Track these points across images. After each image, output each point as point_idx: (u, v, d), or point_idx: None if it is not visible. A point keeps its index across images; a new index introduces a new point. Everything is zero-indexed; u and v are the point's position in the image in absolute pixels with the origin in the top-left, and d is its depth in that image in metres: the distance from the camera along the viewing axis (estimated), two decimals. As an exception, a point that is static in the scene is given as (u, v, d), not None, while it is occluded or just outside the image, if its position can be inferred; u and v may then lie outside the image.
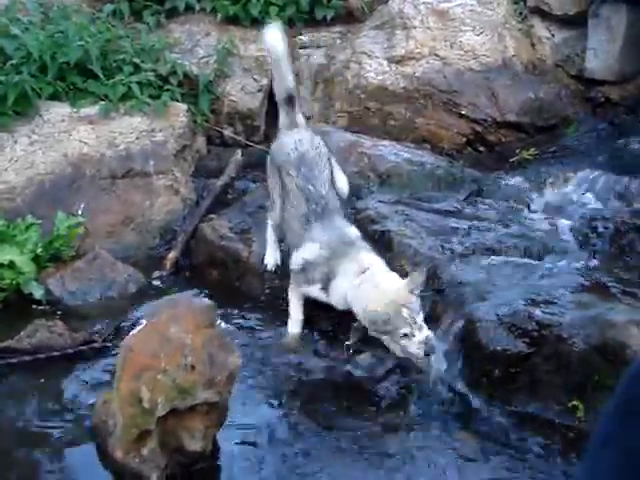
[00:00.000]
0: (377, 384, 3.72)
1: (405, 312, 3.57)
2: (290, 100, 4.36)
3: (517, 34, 6.16)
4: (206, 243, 4.76)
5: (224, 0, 6.37)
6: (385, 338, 3.66)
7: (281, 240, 4.38)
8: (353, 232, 4.01)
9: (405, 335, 3.57)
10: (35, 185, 5.12)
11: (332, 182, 4.17)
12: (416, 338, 3.57)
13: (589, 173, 5.00)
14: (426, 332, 3.59)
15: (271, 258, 4.44)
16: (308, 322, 4.13)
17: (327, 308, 4.04)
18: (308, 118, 6.18)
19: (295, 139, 4.19)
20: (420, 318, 3.60)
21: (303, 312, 4.10)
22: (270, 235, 4.41)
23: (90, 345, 4.09)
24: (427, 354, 3.59)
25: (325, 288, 3.91)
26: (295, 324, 4.10)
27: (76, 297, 4.60)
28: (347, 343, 3.93)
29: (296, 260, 4.02)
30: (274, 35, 4.37)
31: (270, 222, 4.37)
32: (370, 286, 3.72)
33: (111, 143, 5.34)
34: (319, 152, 4.18)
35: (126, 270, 4.76)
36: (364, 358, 3.89)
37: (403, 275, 3.76)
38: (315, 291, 3.97)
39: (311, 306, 4.09)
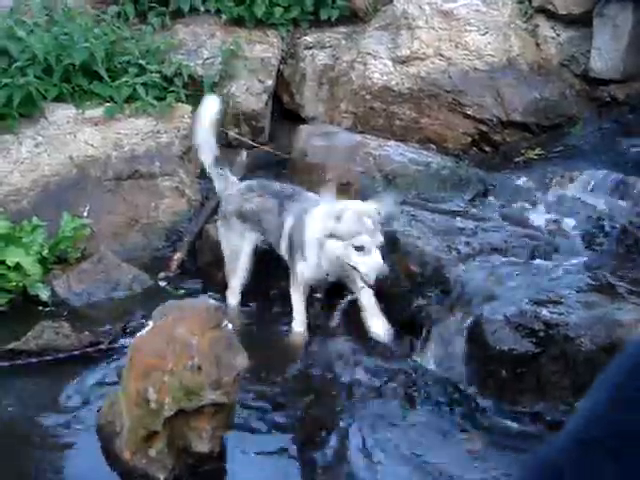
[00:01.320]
0: (384, 384, 3.72)
1: (367, 221, 3.60)
2: (217, 161, 4.52)
3: (522, 34, 6.15)
4: (211, 244, 4.75)
5: (229, 1, 6.38)
6: (339, 249, 3.67)
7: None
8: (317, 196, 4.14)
9: (362, 248, 3.59)
10: (41, 187, 5.12)
11: None
12: (371, 257, 3.59)
13: (595, 172, 4.99)
14: (379, 258, 3.59)
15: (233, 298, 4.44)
16: (310, 321, 4.12)
17: (331, 308, 4.05)
18: (313, 119, 6.19)
19: (235, 188, 4.41)
20: (379, 240, 3.61)
21: (305, 311, 4.12)
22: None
23: (96, 346, 4.09)
24: (377, 279, 3.60)
25: (302, 253, 3.95)
26: (299, 323, 4.12)
27: (82, 298, 4.61)
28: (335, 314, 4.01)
29: (283, 246, 4.11)
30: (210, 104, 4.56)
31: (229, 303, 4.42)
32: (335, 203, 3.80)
33: (116, 144, 5.35)
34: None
35: (132, 271, 4.77)
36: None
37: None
38: (301, 266, 3.98)
39: (316, 305, 4.09)
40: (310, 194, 4.19)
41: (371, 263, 3.60)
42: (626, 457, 1.17)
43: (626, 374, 1.27)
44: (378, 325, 3.93)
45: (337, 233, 3.67)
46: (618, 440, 1.19)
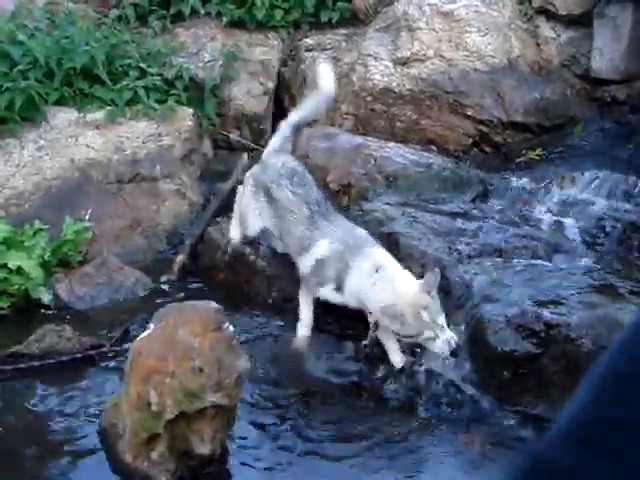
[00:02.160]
0: (385, 386, 3.72)
1: (425, 315, 3.52)
2: (299, 130, 4.47)
3: (522, 34, 6.15)
4: (213, 246, 4.76)
5: (229, 4, 6.38)
6: (408, 340, 3.63)
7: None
8: (361, 230, 4.02)
9: (429, 339, 3.53)
10: (42, 190, 5.13)
11: None
12: (439, 340, 3.52)
13: (596, 173, 4.98)
14: (448, 333, 3.54)
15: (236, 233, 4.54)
16: (316, 324, 4.12)
17: (336, 310, 4.04)
18: (314, 121, 6.18)
19: (282, 160, 4.28)
20: (442, 319, 3.54)
21: (313, 316, 4.07)
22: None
23: (98, 349, 4.10)
24: (452, 353, 3.55)
25: (339, 288, 3.86)
26: (305, 327, 4.07)
27: (84, 302, 4.61)
28: (364, 343, 3.89)
29: (306, 262, 3.99)
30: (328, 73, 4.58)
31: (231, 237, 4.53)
32: (386, 286, 3.66)
33: (118, 148, 5.36)
34: (306, 171, 4.28)
35: (134, 274, 4.77)
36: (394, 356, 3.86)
37: (415, 275, 3.74)
38: (328, 292, 3.92)
39: (321, 308, 4.08)
40: (341, 219, 4.07)
41: (441, 345, 3.54)
42: (623, 454, 1.17)
43: (616, 368, 1.27)
44: (396, 359, 3.86)
45: (402, 334, 3.60)
46: (613, 437, 1.19)
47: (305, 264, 4.00)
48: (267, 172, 4.27)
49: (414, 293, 3.58)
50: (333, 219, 4.03)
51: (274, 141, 4.45)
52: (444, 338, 3.52)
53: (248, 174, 4.47)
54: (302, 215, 4.04)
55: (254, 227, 4.37)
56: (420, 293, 3.56)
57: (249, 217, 4.38)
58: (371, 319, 3.83)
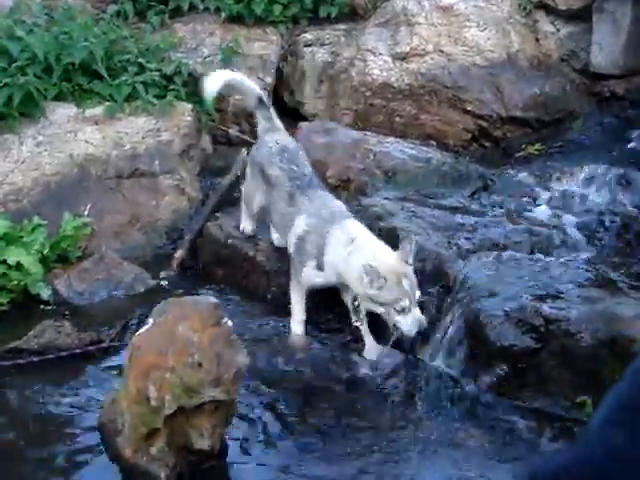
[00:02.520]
0: (384, 381, 3.72)
1: (405, 283, 3.54)
2: (261, 101, 4.46)
3: (522, 29, 6.15)
4: (212, 242, 4.76)
5: (228, -1, 6.38)
6: (380, 310, 3.62)
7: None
8: (337, 202, 4.05)
9: (402, 310, 3.54)
10: (41, 186, 5.12)
11: None
12: (411, 315, 3.55)
13: (595, 167, 4.99)
14: (419, 312, 3.56)
15: (248, 226, 4.60)
16: (311, 319, 4.11)
17: (329, 304, 4.05)
18: (313, 116, 6.19)
19: (275, 138, 4.32)
20: (417, 294, 3.58)
21: (305, 311, 4.06)
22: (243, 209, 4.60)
23: (97, 345, 4.10)
24: (418, 332, 3.59)
25: (319, 265, 3.87)
26: (298, 324, 4.07)
27: (83, 297, 4.61)
28: (354, 324, 3.91)
29: (290, 240, 4.03)
30: (221, 76, 4.56)
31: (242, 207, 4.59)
32: (364, 253, 3.67)
33: (117, 143, 5.35)
34: (299, 148, 4.32)
35: (133, 270, 4.77)
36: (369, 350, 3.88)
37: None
38: (311, 273, 3.91)
39: (315, 301, 4.08)
40: (320, 193, 4.07)
41: (412, 321, 3.56)
42: None
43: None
44: (371, 353, 3.89)
45: (378, 300, 3.59)
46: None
47: (291, 243, 4.03)
48: (260, 148, 4.34)
49: (395, 259, 3.60)
50: (311, 193, 4.04)
51: (259, 125, 4.49)
52: (416, 315, 3.55)
53: (250, 155, 4.54)
54: (284, 191, 4.09)
55: (254, 206, 4.43)
56: (399, 261, 3.58)
57: (252, 197, 4.42)
58: (348, 298, 3.88)
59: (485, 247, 4.18)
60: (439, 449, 3.38)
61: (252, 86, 4.54)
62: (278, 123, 4.48)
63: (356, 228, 3.85)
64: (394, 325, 3.61)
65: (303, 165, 4.18)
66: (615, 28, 5.74)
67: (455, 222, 4.38)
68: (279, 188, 4.12)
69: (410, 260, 3.60)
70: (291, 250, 4.05)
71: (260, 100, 4.46)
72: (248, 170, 4.47)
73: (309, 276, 3.95)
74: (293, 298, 4.08)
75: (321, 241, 3.85)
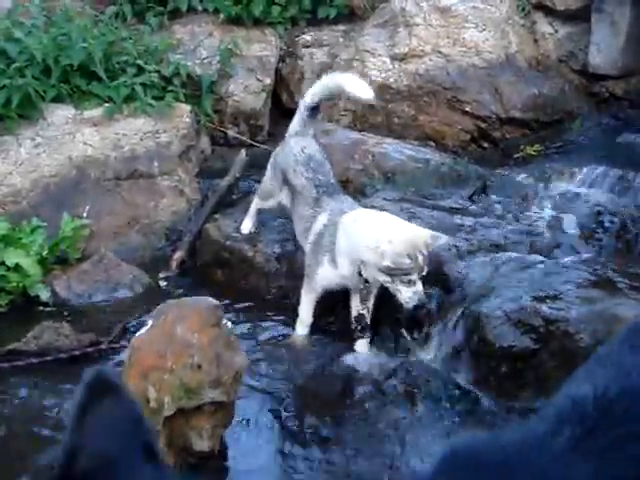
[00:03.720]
0: (384, 382, 3.72)
1: (420, 259, 3.57)
2: (315, 110, 4.42)
3: (520, 30, 6.15)
4: (211, 243, 4.76)
5: (226, 0, 6.37)
6: (386, 279, 3.64)
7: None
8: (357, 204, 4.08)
9: (409, 282, 3.58)
10: (40, 188, 5.12)
11: None
12: (415, 287, 3.59)
13: (594, 168, 4.99)
14: (421, 286, 3.62)
15: (248, 224, 4.62)
16: (315, 323, 4.11)
17: (331, 306, 4.05)
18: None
19: (302, 145, 4.28)
20: (425, 270, 3.61)
21: (313, 314, 4.06)
22: (252, 209, 4.61)
23: (97, 346, 4.10)
24: (416, 307, 3.66)
25: (333, 258, 3.86)
26: (303, 326, 4.07)
27: (82, 299, 4.61)
28: (358, 311, 3.94)
29: (309, 239, 4.02)
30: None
31: (256, 201, 4.60)
32: (378, 222, 3.72)
33: (115, 145, 5.35)
34: (325, 158, 4.29)
35: (132, 271, 4.77)
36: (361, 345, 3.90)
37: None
38: (327, 271, 3.90)
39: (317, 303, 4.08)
40: (348, 198, 4.11)
41: (412, 294, 3.61)
42: None
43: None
44: (362, 344, 3.94)
45: (389, 271, 3.60)
46: None
47: (309, 241, 4.02)
48: (285, 154, 4.32)
49: (414, 233, 3.64)
50: (338, 197, 4.07)
51: (294, 121, 4.46)
52: (419, 289, 3.60)
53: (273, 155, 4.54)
54: (309, 197, 4.09)
55: (268, 203, 4.48)
56: (424, 238, 3.61)
57: (268, 195, 4.47)
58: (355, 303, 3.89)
59: (484, 248, 4.18)
60: (439, 450, 3.38)
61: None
62: (310, 129, 4.42)
63: (364, 211, 3.90)
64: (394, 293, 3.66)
65: (329, 174, 4.19)
66: (614, 29, 5.74)
67: (454, 223, 4.39)
68: (304, 194, 4.12)
69: (433, 246, 3.64)
70: (307, 250, 4.04)
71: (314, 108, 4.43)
72: (269, 169, 4.46)
73: (324, 275, 3.93)
74: (304, 301, 4.06)
75: (335, 231, 3.87)
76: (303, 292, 4.07)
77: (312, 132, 4.41)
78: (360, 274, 3.79)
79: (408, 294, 3.61)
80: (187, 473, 3.15)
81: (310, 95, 4.41)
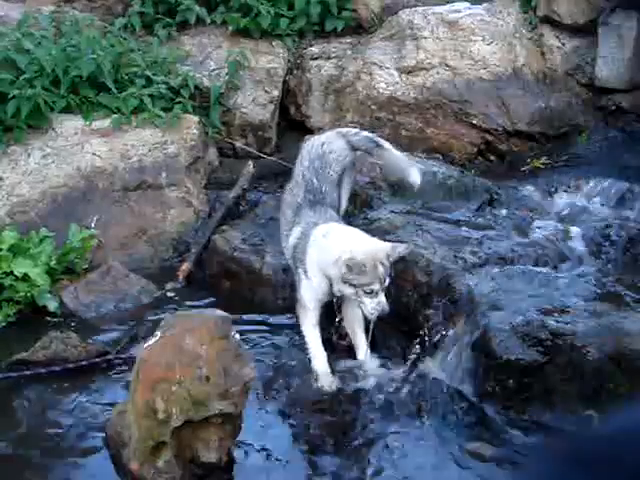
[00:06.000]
0: (391, 395, 3.72)
1: (380, 270, 3.64)
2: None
3: (527, 43, 6.17)
4: (219, 254, 4.77)
5: (235, 13, 6.40)
6: (350, 291, 3.70)
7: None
8: (336, 217, 4.10)
9: (371, 292, 3.65)
10: (49, 198, 5.15)
11: (338, 191, 4.31)
12: (377, 299, 3.67)
13: (601, 181, 5.00)
14: (384, 297, 3.69)
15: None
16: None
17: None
18: (320, 129, 6.20)
19: (324, 139, 4.42)
20: (386, 282, 3.68)
21: (322, 345, 3.93)
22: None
23: (104, 357, 4.11)
24: (378, 317, 3.71)
25: (305, 271, 3.90)
26: (320, 362, 3.89)
27: (90, 309, 4.62)
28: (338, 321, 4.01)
29: (288, 253, 4.10)
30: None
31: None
32: (342, 241, 3.77)
33: (124, 156, 5.37)
34: (338, 158, 4.34)
35: (139, 282, 4.78)
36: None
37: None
38: (305, 286, 3.90)
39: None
40: (327, 211, 4.09)
41: (376, 305, 3.68)
42: None
43: None
44: (361, 355, 3.96)
45: (353, 283, 3.68)
46: None
47: (287, 256, 4.12)
48: (308, 144, 4.44)
49: (374, 246, 3.74)
50: (318, 209, 4.08)
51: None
52: (381, 300, 3.67)
53: None
54: (295, 200, 4.16)
55: None
56: (384, 250, 3.70)
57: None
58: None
59: (491, 261, 4.18)
60: (446, 462, 3.38)
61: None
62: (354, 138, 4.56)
63: (335, 225, 3.94)
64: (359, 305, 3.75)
65: (326, 181, 4.21)
66: (620, 42, 5.75)
67: (461, 236, 4.39)
68: (294, 193, 4.19)
69: (392, 258, 3.70)
70: (290, 263, 4.10)
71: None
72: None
73: (305, 290, 3.93)
74: (305, 330, 3.97)
75: (306, 245, 3.91)
76: (301, 320, 3.97)
77: (354, 143, 4.52)
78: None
79: (372, 305, 3.68)
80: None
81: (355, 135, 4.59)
